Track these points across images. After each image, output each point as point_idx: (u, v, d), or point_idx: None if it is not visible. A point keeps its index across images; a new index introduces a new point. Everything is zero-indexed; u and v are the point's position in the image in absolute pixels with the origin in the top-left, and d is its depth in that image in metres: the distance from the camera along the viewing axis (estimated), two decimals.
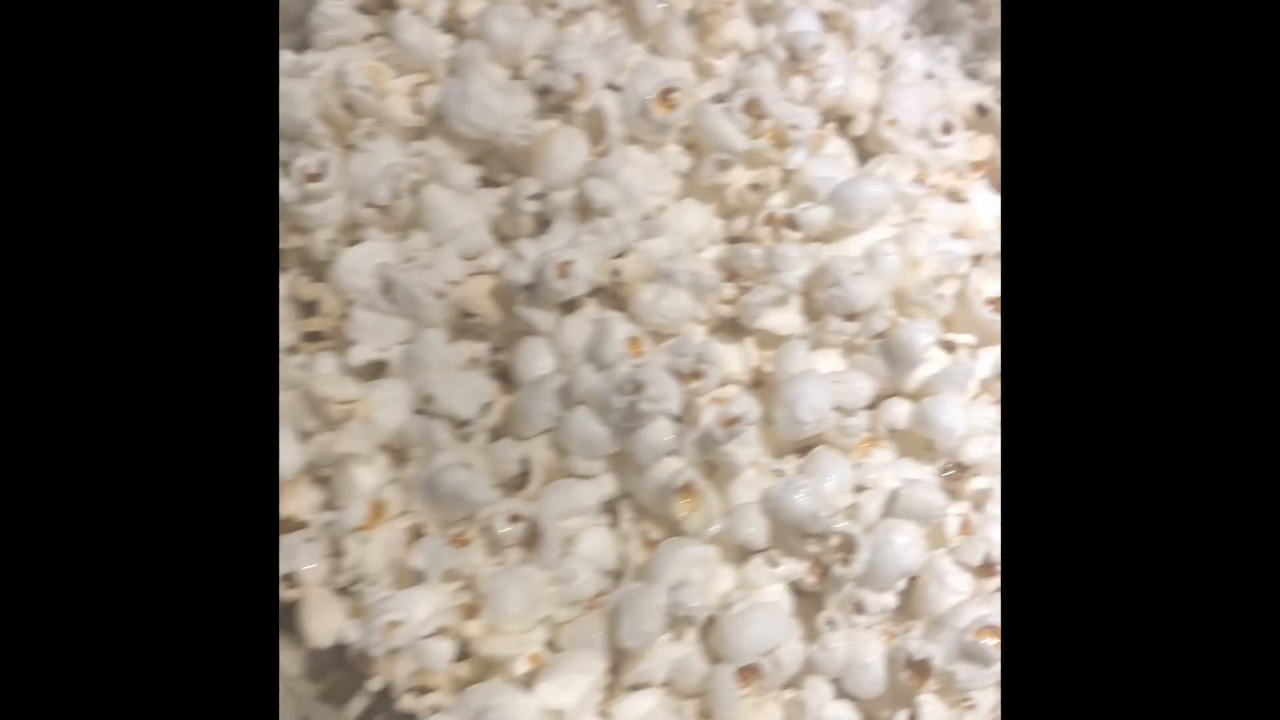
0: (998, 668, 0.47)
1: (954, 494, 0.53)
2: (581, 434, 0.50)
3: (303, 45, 0.58)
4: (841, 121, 0.62)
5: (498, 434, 0.53)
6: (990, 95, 0.64)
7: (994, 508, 0.52)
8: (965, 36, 0.69)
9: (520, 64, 0.59)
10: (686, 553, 0.49)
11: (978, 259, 0.58)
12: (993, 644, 0.47)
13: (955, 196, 0.60)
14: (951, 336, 0.56)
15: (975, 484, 0.52)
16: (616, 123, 0.57)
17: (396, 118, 0.57)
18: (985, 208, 0.60)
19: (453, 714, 0.47)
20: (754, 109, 0.56)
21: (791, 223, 0.56)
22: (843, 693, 0.50)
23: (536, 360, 0.53)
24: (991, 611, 0.47)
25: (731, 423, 0.50)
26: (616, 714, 0.48)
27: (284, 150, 0.55)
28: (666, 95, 0.56)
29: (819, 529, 0.49)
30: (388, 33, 0.58)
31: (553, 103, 0.56)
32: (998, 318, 0.55)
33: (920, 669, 0.48)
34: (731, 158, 0.56)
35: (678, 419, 0.50)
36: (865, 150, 0.62)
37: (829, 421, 0.51)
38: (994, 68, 0.66)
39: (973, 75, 0.67)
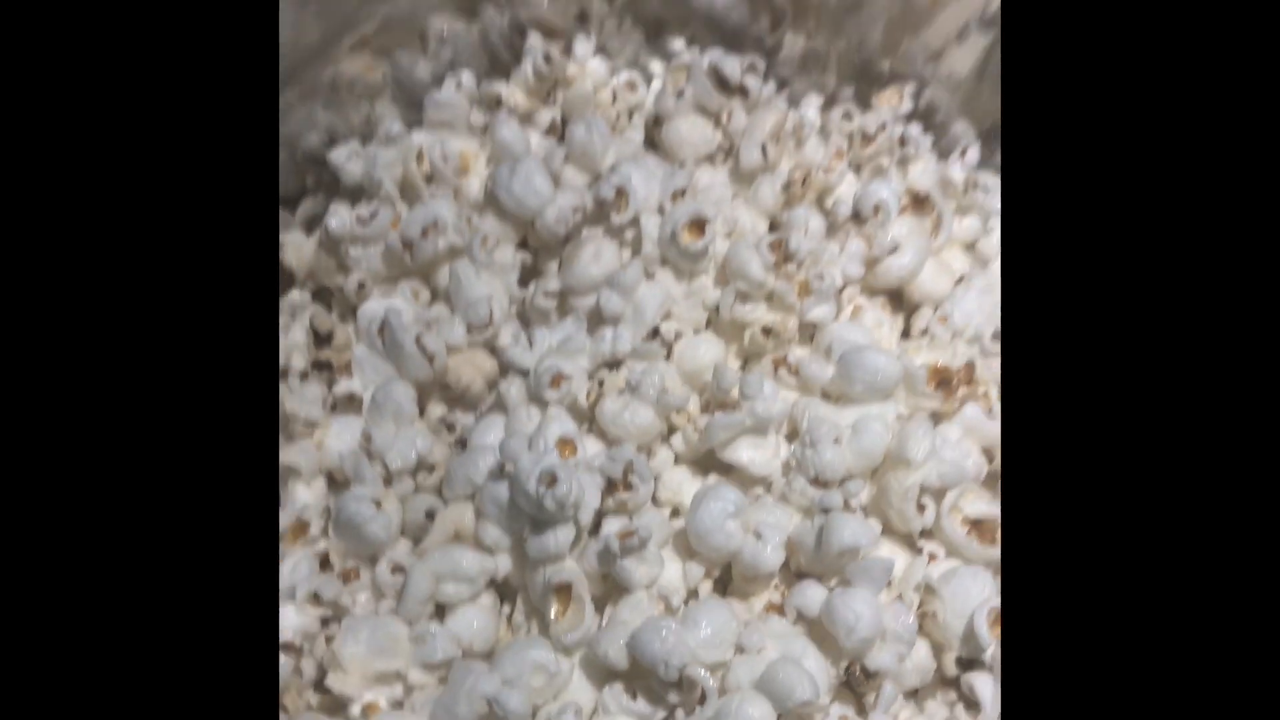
0: None
1: (846, 699, 0.47)
2: (494, 504, 0.50)
3: (416, 123, 0.65)
4: (894, 298, 0.60)
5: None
6: None
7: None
8: None
9: (596, 172, 0.61)
10: (532, 655, 0.47)
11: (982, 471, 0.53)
12: None
13: (986, 403, 0.55)
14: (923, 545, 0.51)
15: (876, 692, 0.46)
16: (651, 242, 0.58)
17: (467, 194, 0.61)
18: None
19: None
20: (778, 248, 0.55)
21: (796, 371, 0.54)
22: None
23: (489, 433, 0.54)
24: None
25: (628, 536, 0.48)
26: None
27: (349, 202, 0.61)
28: (697, 223, 0.56)
29: (669, 676, 0.45)
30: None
31: (597, 211, 0.59)
32: (974, 543, 0.50)
33: None
34: (748, 288, 0.55)
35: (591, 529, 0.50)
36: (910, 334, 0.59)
37: (740, 554, 0.48)
38: None
39: None
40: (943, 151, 0.66)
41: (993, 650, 0.46)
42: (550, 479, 0.47)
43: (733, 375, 0.53)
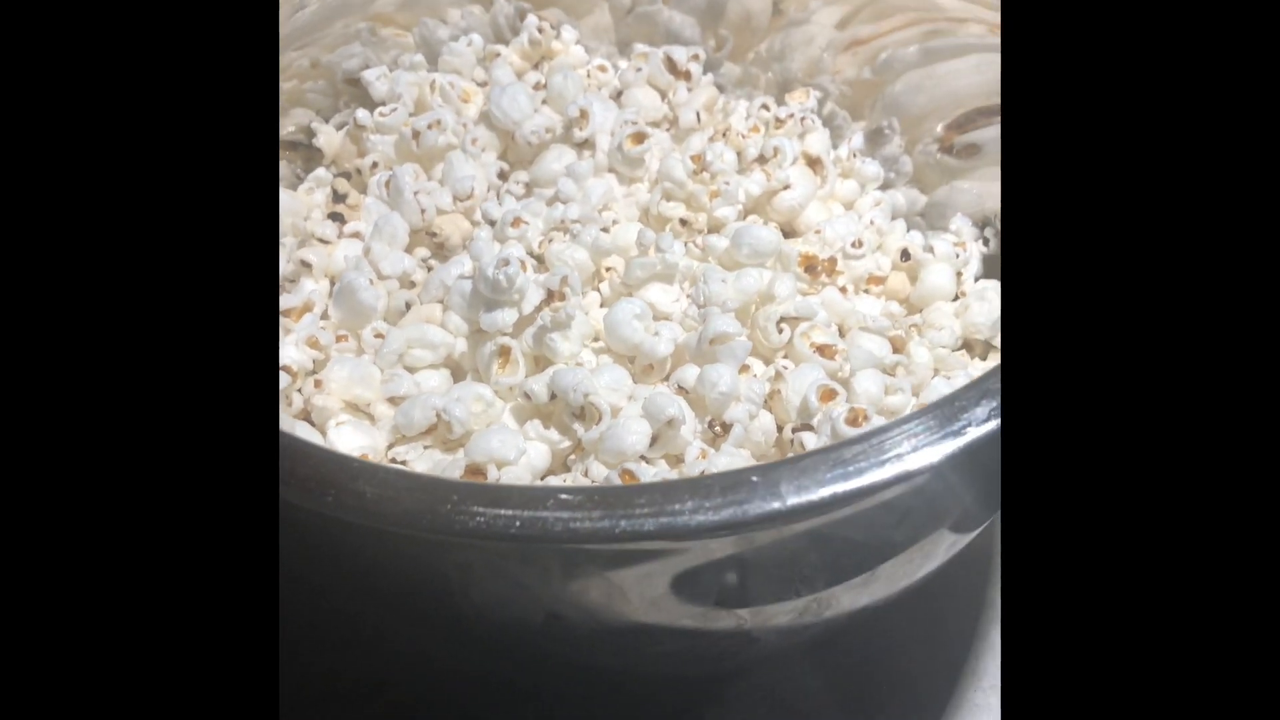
0: None
1: (709, 444, 0.62)
2: (459, 296, 0.66)
3: (434, 68, 0.84)
4: (785, 229, 0.77)
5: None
6: (920, 245, 0.76)
7: (729, 456, 0.60)
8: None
9: (564, 109, 0.80)
10: (475, 389, 0.62)
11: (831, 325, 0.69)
12: None
13: (843, 294, 0.72)
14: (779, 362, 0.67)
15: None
16: (602, 152, 0.76)
17: (466, 113, 0.79)
18: (864, 308, 0.71)
19: None
20: (698, 160, 0.73)
21: (702, 246, 0.71)
22: None
23: (462, 257, 0.70)
24: None
25: (556, 311, 0.63)
26: None
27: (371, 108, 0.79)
28: (638, 135, 0.74)
29: (576, 400, 0.60)
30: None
31: (563, 132, 0.77)
32: (817, 356, 0.65)
33: None
34: (672, 188, 0.73)
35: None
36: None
37: (641, 344, 0.64)
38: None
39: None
40: (835, 141, 0.85)
41: (819, 416, 0.61)
42: (505, 262, 0.63)
43: (651, 235, 0.69)
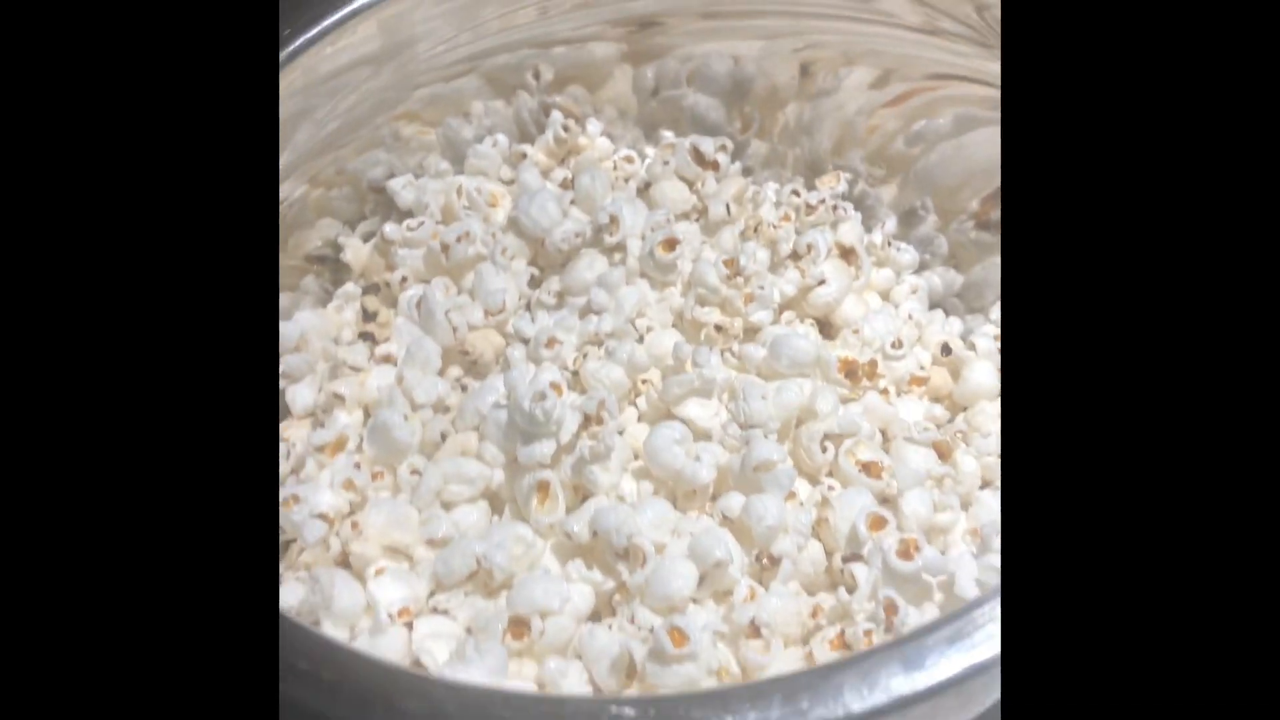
0: None
1: (757, 578, 0.61)
2: (495, 426, 0.65)
3: (459, 170, 0.82)
4: (822, 325, 0.76)
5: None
6: (959, 337, 0.74)
7: (779, 597, 0.59)
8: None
9: (594, 211, 0.78)
10: (515, 530, 0.61)
11: (875, 437, 0.67)
12: None
13: (884, 396, 0.70)
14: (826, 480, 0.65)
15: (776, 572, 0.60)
16: (633, 257, 0.74)
17: (494, 219, 0.78)
18: (906, 412, 0.70)
19: (301, 580, 0.60)
20: (731, 265, 0.71)
21: (739, 356, 0.70)
22: (592, 679, 0.57)
23: (496, 381, 0.68)
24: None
25: (595, 439, 0.62)
26: (417, 625, 0.59)
27: (398, 216, 0.78)
28: (669, 241, 0.73)
29: (619, 542, 0.59)
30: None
31: (592, 235, 0.76)
32: (863, 476, 0.64)
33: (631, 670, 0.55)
34: (706, 294, 0.71)
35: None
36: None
37: (682, 471, 0.62)
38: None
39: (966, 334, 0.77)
40: (867, 225, 0.83)
41: (869, 546, 0.60)
42: (541, 396, 0.62)
43: (688, 349, 0.68)
